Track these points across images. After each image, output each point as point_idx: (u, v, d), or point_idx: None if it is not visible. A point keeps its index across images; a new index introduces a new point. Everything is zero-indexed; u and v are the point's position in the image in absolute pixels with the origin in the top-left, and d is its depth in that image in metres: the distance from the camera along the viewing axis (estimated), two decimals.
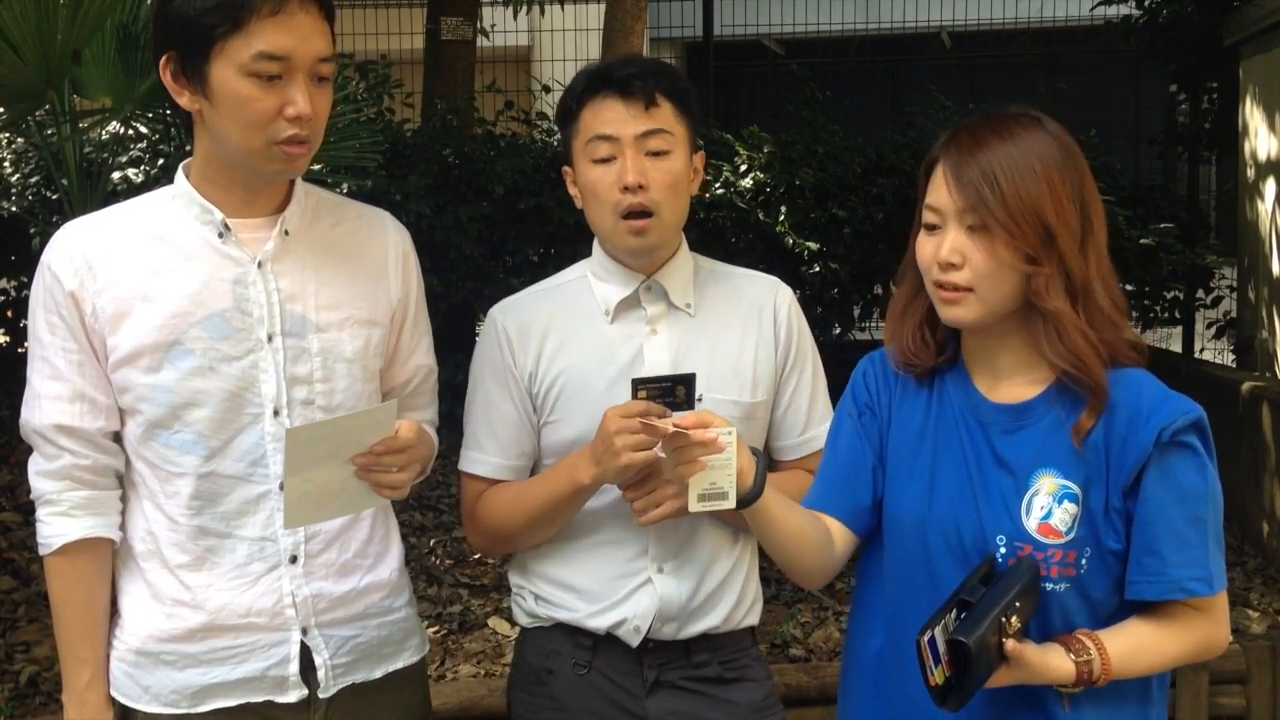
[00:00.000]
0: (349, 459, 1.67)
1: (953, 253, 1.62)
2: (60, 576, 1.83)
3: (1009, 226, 1.58)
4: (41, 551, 1.83)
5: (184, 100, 1.75)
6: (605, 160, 1.94)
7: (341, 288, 1.86)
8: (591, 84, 1.97)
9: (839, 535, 1.77)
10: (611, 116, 1.94)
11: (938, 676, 1.50)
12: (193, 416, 1.76)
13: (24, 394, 1.83)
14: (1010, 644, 1.51)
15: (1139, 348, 1.66)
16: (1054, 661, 1.56)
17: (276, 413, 1.79)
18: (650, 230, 1.95)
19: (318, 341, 1.82)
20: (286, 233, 1.83)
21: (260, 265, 1.80)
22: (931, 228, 1.66)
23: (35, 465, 1.84)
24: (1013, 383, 1.69)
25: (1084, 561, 1.61)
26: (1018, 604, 1.53)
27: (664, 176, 1.94)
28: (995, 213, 1.58)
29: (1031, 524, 1.62)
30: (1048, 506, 1.62)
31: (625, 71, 1.95)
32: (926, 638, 1.50)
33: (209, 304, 1.77)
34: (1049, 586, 1.61)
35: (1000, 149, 1.61)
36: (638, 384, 1.82)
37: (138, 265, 1.77)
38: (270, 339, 1.79)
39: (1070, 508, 1.62)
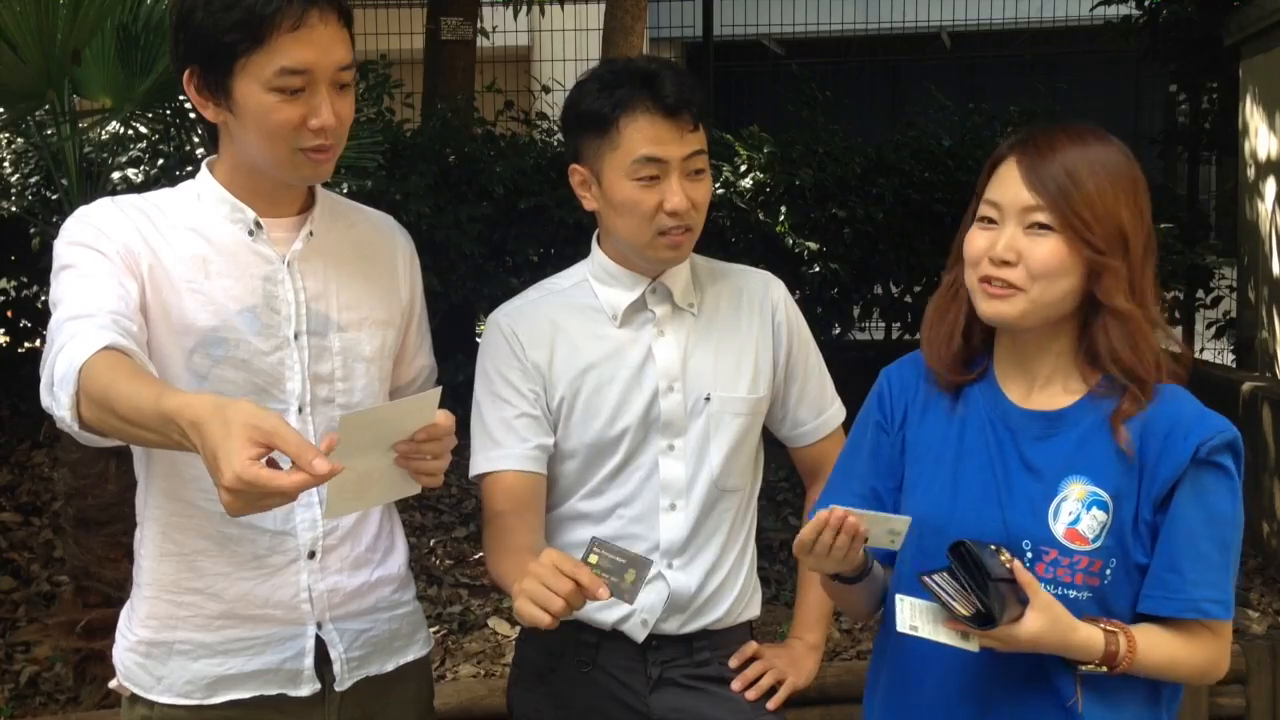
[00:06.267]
0: (391, 446, 1.68)
1: (1008, 250, 1.60)
2: (102, 371, 1.52)
3: (1089, 223, 1.57)
4: (72, 372, 1.53)
5: (209, 113, 1.77)
6: (649, 179, 1.92)
7: (359, 289, 1.89)
8: (635, 96, 1.91)
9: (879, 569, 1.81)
10: (660, 137, 1.90)
11: (962, 608, 1.53)
12: None
13: (51, 317, 1.67)
14: (1015, 563, 1.52)
15: (1184, 362, 1.67)
16: (1083, 627, 1.55)
17: (300, 409, 1.82)
18: (686, 244, 1.97)
19: (339, 340, 1.85)
20: (311, 234, 1.85)
21: (288, 264, 1.82)
22: (987, 221, 1.64)
23: (68, 329, 1.59)
24: (1047, 391, 1.68)
25: (1108, 572, 1.60)
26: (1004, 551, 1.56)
27: (703, 197, 1.96)
28: (1079, 210, 1.57)
29: (1059, 529, 1.61)
30: (1076, 512, 1.61)
31: (672, 93, 1.90)
32: (931, 579, 1.56)
33: (243, 299, 1.79)
34: (1069, 594, 1.60)
35: (1079, 153, 1.61)
36: (595, 543, 1.70)
37: (182, 252, 1.78)
38: (296, 337, 1.82)
39: (1099, 515, 1.60)
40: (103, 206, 1.80)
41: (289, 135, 1.72)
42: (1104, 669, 1.57)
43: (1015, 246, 1.60)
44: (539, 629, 1.62)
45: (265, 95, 1.70)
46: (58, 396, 1.55)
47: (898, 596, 1.64)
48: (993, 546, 1.54)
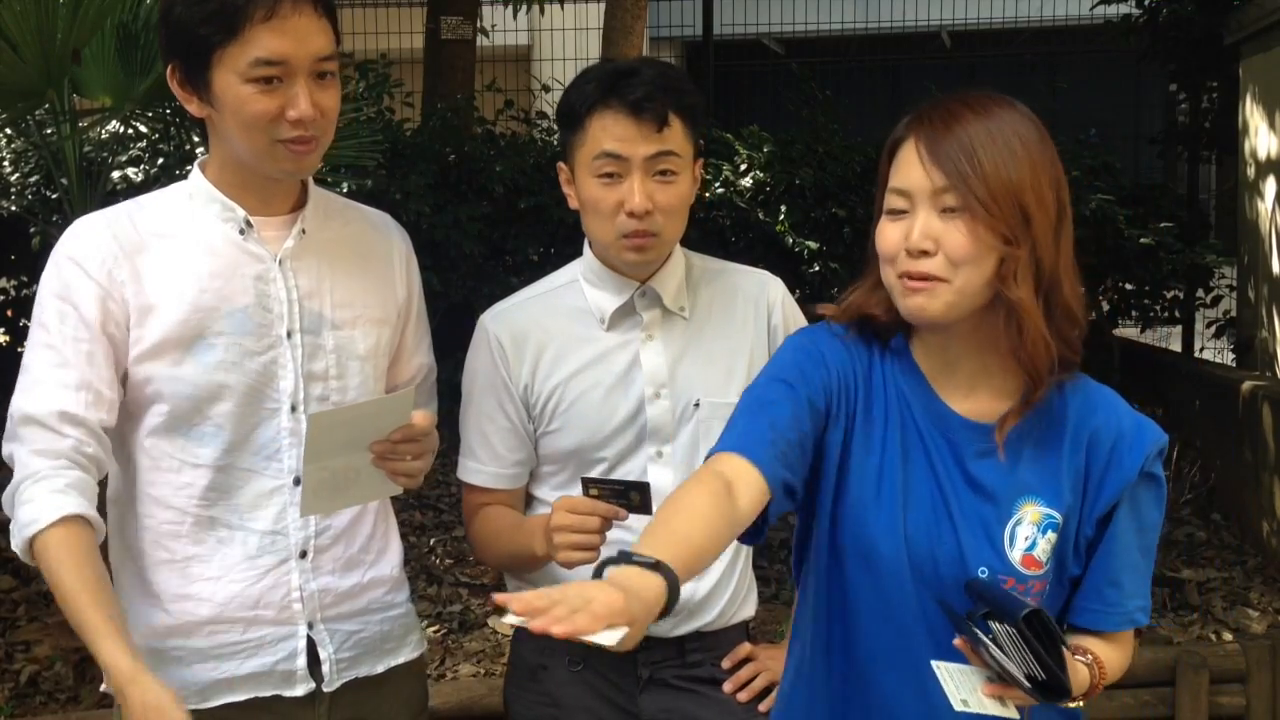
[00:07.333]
0: (366, 446, 1.67)
1: (924, 238, 1.47)
2: (52, 553, 1.64)
3: (988, 205, 1.45)
4: (28, 532, 1.66)
5: (193, 107, 1.77)
6: (610, 176, 1.91)
7: (354, 287, 1.89)
8: (602, 94, 1.90)
9: (749, 490, 1.44)
10: (622, 134, 1.89)
11: (1019, 675, 1.41)
12: (215, 410, 1.78)
13: (18, 381, 1.75)
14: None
15: (1082, 339, 1.56)
16: (1078, 666, 1.50)
17: (294, 408, 1.81)
18: (651, 248, 1.94)
19: (333, 339, 1.85)
20: (303, 232, 1.85)
21: (281, 263, 1.82)
22: (897, 213, 1.52)
23: (31, 445, 1.70)
24: (979, 395, 1.57)
25: (1048, 588, 1.56)
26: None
27: (670, 201, 1.92)
28: (975, 190, 1.45)
29: (1016, 555, 1.53)
30: (1032, 537, 1.53)
31: (640, 91, 1.88)
32: (985, 651, 1.42)
33: (233, 299, 1.78)
34: None
35: (978, 124, 1.49)
36: (588, 483, 1.81)
37: (164, 259, 1.78)
38: (290, 335, 1.81)
39: (1052, 537, 1.54)
40: (91, 232, 1.78)
41: (267, 126, 1.72)
42: (1083, 701, 1.53)
43: (931, 234, 1.47)
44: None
45: (242, 87, 1.70)
46: (14, 532, 1.67)
47: (934, 664, 1.50)
48: (1030, 601, 1.45)
